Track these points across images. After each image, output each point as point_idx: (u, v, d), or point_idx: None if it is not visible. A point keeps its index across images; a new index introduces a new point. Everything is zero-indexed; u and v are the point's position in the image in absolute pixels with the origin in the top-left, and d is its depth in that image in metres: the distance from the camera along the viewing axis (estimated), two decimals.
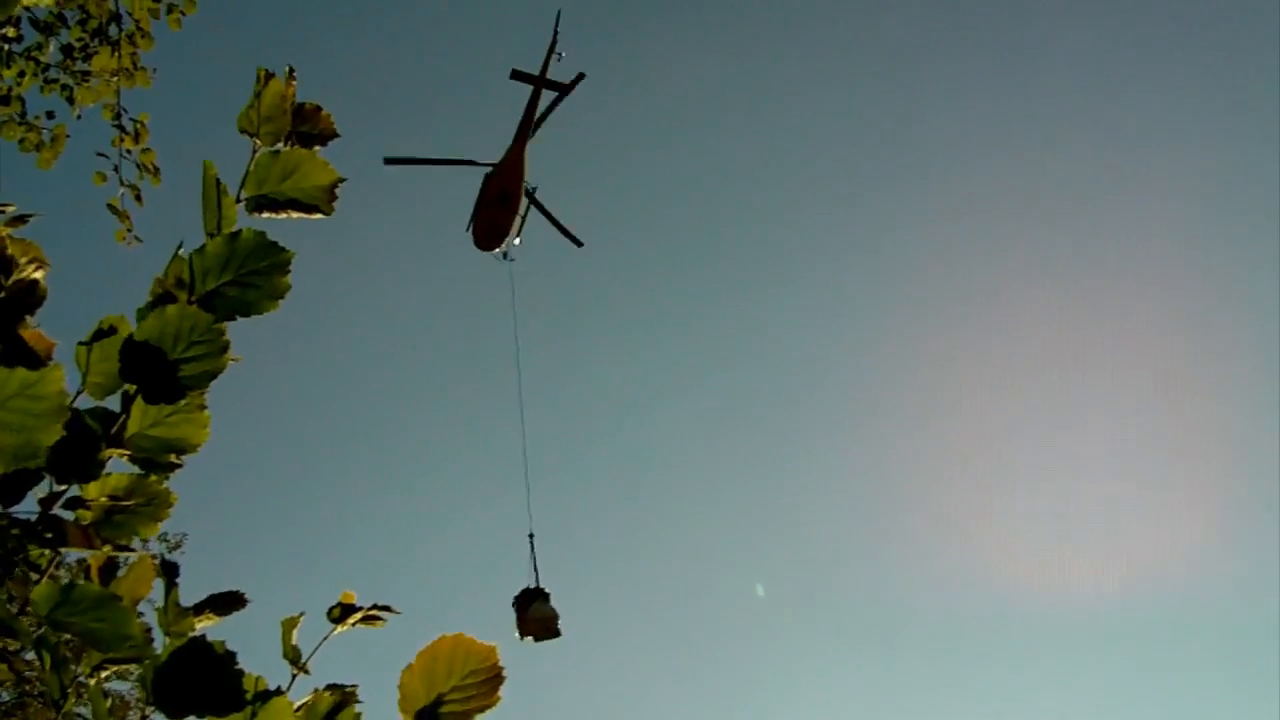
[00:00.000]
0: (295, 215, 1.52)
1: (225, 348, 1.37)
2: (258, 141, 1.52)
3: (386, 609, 1.78)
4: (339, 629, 1.72)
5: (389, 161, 17.23)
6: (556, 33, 16.77)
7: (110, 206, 5.74)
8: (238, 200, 1.48)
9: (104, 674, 1.51)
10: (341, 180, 1.53)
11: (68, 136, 5.81)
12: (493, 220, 17.46)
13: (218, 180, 1.44)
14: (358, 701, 1.59)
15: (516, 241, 17.97)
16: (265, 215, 1.51)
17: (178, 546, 18.10)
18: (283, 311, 1.46)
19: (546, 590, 15.31)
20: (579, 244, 18.52)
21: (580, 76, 17.03)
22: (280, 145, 1.53)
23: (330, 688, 1.66)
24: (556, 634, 14.77)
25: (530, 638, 14.62)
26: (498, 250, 17.94)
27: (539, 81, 16.92)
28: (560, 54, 16.83)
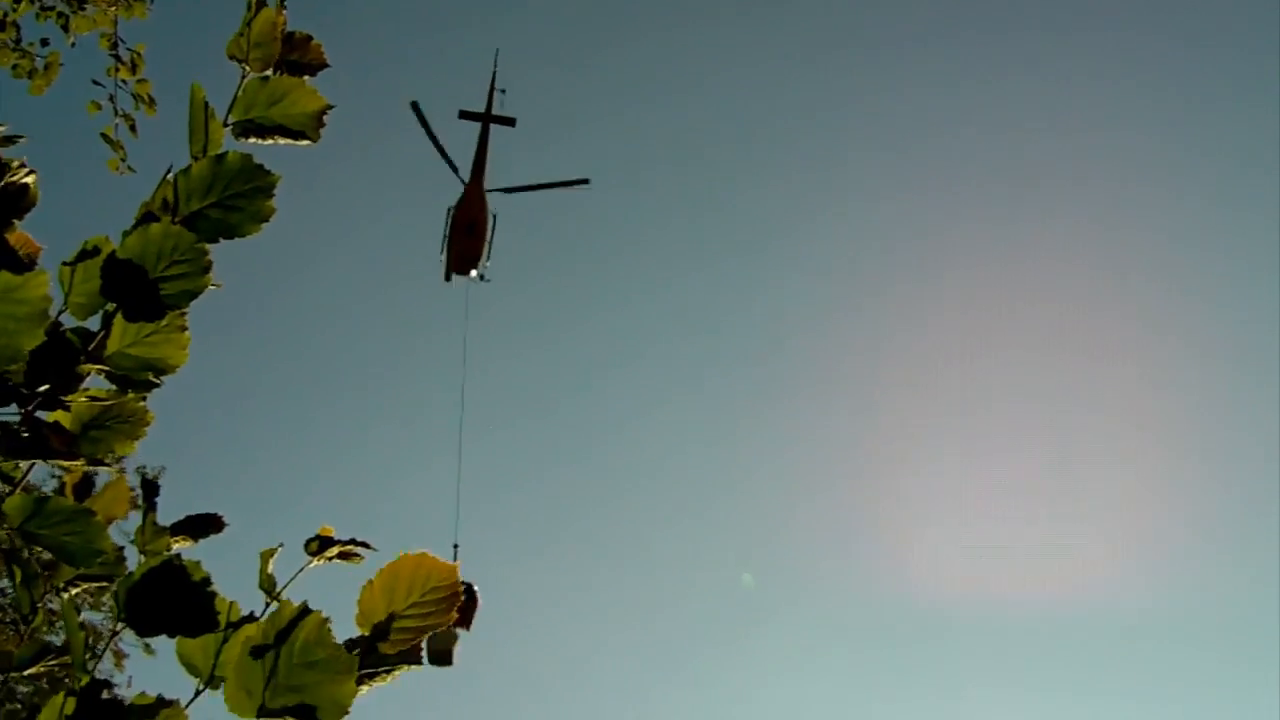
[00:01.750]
0: (282, 141, 1.52)
1: (207, 268, 1.36)
2: (247, 68, 1.51)
3: (364, 545, 1.79)
4: (315, 562, 1.73)
5: (414, 108, 18.95)
6: (495, 71, 18.92)
7: (104, 136, 5.68)
8: (225, 124, 1.47)
9: (75, 590, 1.52)
10: (330, 107, 1.52)
11: (61, 65, 5.76)
12: (464, 249, 19.05)
13: (206, 103, 1.43)
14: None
15: (487, 264, 19.52)
16: (252, 140, 1.50)
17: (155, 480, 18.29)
18: (271, 242, 1.45)
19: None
20: (584, 181, 19.94)
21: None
22: (270, 73, 1.52)
23: None
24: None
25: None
26: (473, 274, 19.48)
27: (485, 118, 18.83)
28: (503, 89, 18.89)
